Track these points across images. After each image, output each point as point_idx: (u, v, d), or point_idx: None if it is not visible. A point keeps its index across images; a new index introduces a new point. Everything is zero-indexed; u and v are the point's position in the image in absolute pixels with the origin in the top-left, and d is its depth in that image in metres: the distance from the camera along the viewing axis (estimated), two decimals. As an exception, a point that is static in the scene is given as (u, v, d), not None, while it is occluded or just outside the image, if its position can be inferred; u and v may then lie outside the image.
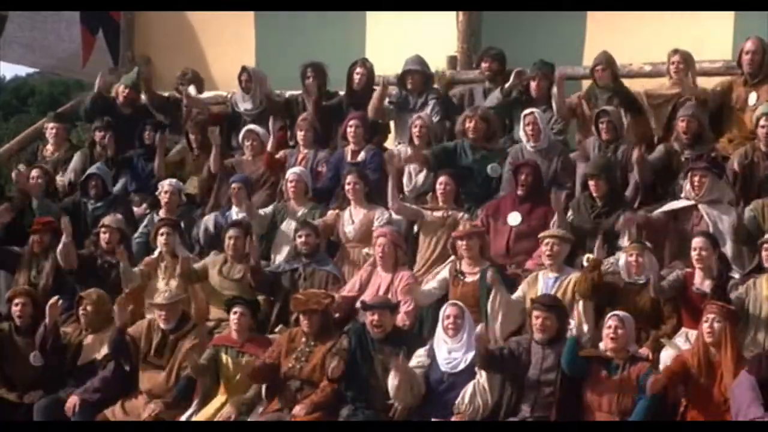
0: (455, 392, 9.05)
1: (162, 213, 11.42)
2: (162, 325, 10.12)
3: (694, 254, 9.13)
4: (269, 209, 11.12)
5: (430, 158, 10.92)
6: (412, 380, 9.05)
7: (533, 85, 11.26)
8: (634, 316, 8.94)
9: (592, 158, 10.36)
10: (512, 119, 11.37)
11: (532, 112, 10.69)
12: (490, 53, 11.70)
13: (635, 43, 11.54)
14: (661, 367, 8.73)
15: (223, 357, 9.79)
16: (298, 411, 9.31)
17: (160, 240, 10.89)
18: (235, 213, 11.16)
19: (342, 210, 10.87)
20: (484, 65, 11.73)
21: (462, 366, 9.16)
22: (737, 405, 8.18)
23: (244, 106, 12.27)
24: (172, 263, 10.75)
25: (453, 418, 8.96)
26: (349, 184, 10.81)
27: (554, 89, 11.01)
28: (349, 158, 11.29)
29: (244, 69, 12.36)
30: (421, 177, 11.01)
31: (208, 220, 11.29)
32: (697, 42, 10.90)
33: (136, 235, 11.43)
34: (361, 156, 11.24)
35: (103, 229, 11.14)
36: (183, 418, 9.71)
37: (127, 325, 10.08)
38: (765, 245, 9.02)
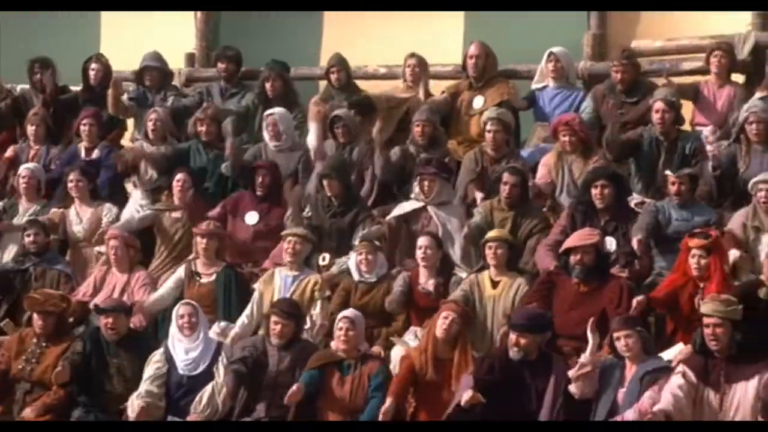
0: (195, 394, 9.05)
1: None
2: None
3: (419, 253, 9.30)
4: (-1, 203, 10.89)
5: (161, 160, 10.84)
6: None
7: (267, 86, 11.25)
8: (366, 315, 9.07)
9: (326, 158, 10.46)
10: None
11: (272, 114, 10.72)
12: (227, 54, 11.67)
13: (371, 44, 11.71)
14: (392, 365, 8.88)
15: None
16: (29, 413, 9.16)
17: None
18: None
19: (66, 208, 10.67)
20: (220, 65, 11.69)
21: (202, 368, 9.15)
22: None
23: None
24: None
25: (189, 418, 8.96)
26: (71, 182, 10.63)
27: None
28: (83, 155, 11.10)
29: None
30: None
31: None
32: (430, 45, 11.12)
33: None
34: (96, 153, 11.07)
35: None
36: None
37: None
38: (488, 244, 9.23)
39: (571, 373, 8.16)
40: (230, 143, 10.63)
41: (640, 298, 8.62)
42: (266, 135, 10.75)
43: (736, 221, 9.12)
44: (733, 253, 8.79)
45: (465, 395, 8.24)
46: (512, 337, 8.36)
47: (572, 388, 8.15)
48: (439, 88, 11.14)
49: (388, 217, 9.95)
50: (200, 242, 9.87)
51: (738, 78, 10.54)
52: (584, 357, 8.17)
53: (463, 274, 9.41)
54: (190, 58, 12.35)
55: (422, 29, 11.16)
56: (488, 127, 10.16)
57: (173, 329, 9.30)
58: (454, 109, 10.89)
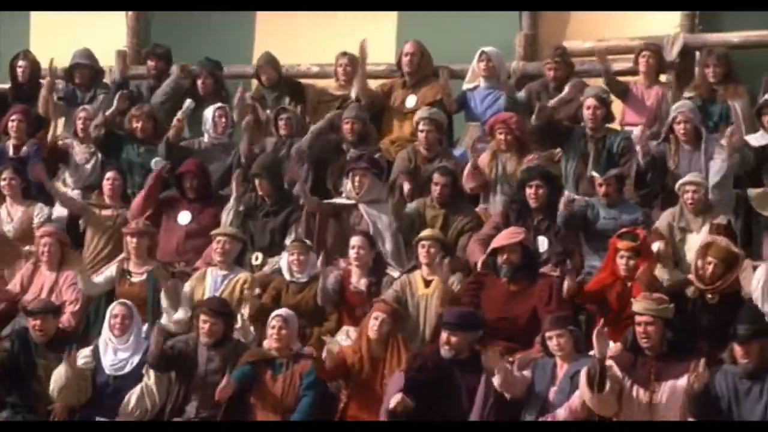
0: (122, 395, 9.00)
1: None
2: None
3: (352, 253, 9.31)
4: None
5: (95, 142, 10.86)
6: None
7: (199, 83, 11.27)
8: (298, 314, 9.04)
9: (258, 157, 10.43)
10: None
11: (223, 107, 10.74)
12: (156, 52, 11.67)
13: (303, 43, 11.72)
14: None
15: None
16: (-47, 416, 9.08)
17: None
18: None
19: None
20: (150, 63, 11.67)
21: (128, 368, 9.12)
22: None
23: None
24: None
25: (118, 419, 8.91)
26: (4, 180, 10.56)
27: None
28: (11, 153, 10.99)
29: None
30: (89, 167, 10.88)
31: None
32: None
33: None
34: (24, 150, 10.93)
35: None
36: None
37: None
38: (421, 242, 9.24)
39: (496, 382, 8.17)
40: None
41: (569, 283, 8.67)
42: (211, 127, 10.70)
43: (663, 221, 9.21)
44: (656, 245, 8.85)
45: (393, 400, 8.24)
46: (443, 335, 8.38)
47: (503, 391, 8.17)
48: (371, 88, 11.13)
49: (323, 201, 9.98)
50: (130, 241, 9.83)
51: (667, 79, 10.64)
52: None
53: (395, 273, 9.43)
54: (121, 56, 12.26)
55: (355, 29, 11.16)
56: (421, 126, 10.21)
57: (105, 329, 9.24)
58: (387, 108, 10.93)
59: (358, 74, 10.81)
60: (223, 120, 10.70)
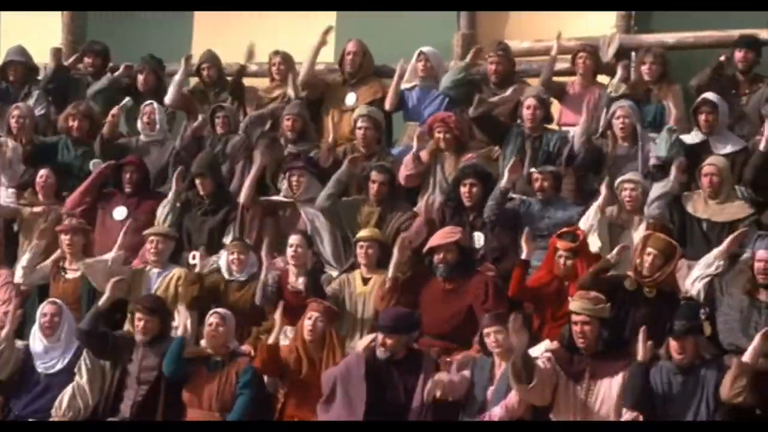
0: (52, 393, 8.95)
1: None
2: None
3: (289, 251, 9.28)
4: None
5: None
6: None
7: (140, 78, 11.27)
8: (236, 313, 9.02)
9: (198, 156, 10.39)
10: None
11: (151, 103, 10.71)
12: (94, 48, 11.63)
13: (242, 42, 11.66)
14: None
15: None
16: None
17: None
18: None
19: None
20: (87, 60, 11.62)
21: (59, 366, 9.06)
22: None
23: None
24: None
25: (52, 419, 8.85)
26: None
27: None
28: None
29: None
30: (22, 168, 10.76)
31: None
32: (302, 43, 11.12)
33: None
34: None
35: None
36: None
37: None
38: (360, 243, 9.25)
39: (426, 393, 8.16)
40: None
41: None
42: (140, 124, 10.69)
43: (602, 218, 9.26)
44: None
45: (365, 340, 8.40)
46: (379, 337, 8.38)
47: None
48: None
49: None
50: (64, 239, 9.77)
51: (604, 79, 10.70)
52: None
53: (334, 273, 9.44)
54: (57, 53, 12.17)
55: (294, 28, 11.18)
56: (359, 124, 10.23)
57: (35, 328, 9.17)
58: (324, 105, 10.95)
59: (309, 59, 10.87)
60: (145, 117, 10.65)
